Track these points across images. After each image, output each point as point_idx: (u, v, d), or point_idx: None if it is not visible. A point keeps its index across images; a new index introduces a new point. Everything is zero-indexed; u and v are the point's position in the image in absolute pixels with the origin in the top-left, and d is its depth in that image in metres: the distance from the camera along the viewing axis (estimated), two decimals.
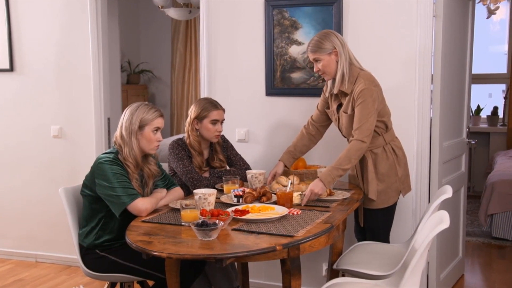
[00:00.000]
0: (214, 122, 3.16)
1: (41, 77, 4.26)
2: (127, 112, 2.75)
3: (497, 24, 7.01)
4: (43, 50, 4.23)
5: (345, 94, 2.95)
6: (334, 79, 2.96)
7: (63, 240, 4.21)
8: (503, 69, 6.88)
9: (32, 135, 4.33)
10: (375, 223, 3.05)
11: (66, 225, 2.95)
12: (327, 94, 3.10)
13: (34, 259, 4.43)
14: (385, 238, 3.08)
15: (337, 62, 2.91)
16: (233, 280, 3.01)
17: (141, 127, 2.71)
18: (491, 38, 7.04)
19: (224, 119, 3.22)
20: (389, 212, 3.04)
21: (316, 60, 2.93)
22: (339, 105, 3.03)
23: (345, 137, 3.11)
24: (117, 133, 2.75)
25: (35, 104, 4.30)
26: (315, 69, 2.98)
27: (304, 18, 3.49)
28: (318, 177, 2.80)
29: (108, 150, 2.76)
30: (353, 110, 2.90)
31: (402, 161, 3.04)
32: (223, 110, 3.22)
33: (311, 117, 3.22)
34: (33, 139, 4.33)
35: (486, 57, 6.92)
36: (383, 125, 2.97)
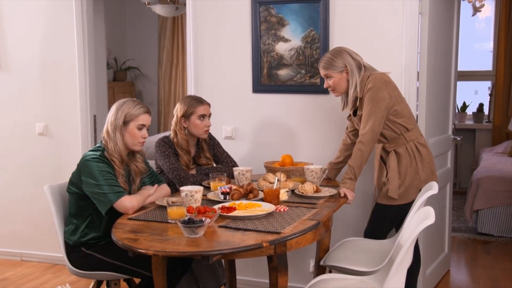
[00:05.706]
0: (202, 117, 3.15)
1: (26, 74, 4.21)
2: (113, 107, 2.73)
3: (483, 22, 7.07)
4: (28, 47, 4.18)
5: (360, 99, 2.94)
6: (346, 93, 2.98)
7: (48, 239, 4.17)
8: (488, 66, 6.95)
9: (17, 132, 4.28)
10: (383, 216, 3.02)
11: (51, 223, 2.92)
12: (341, 110, 3.09)
13: (19, 257, 4.39)
14: (382, 234, 3.03)
15: (347, 80, 2.92)
16: (220, 277, 3.01)
17: (125, 122, 2.69)
18: (476, 35, 7.10)
19: (211, 114, 3.22)
20: (401, 210, 2.96)
21: (327, 77, 2.95)
22: (355, 110, 3.02)
23: None
24: (104, 128, 2.74)
25: (20, 102, 4.25)
26: (325, 85, 3.00)
27: (291, 15, 3.49)
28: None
29: (95, 147, 2.74)
30: None
31: (425, 159, 2.98)
32: (209, 104, 3.21)
33: (346, 127, 3.21)
34: (18, 136, 4.28)
35: (472, 54, 6.98)
36: (401, 126, 2.93)
